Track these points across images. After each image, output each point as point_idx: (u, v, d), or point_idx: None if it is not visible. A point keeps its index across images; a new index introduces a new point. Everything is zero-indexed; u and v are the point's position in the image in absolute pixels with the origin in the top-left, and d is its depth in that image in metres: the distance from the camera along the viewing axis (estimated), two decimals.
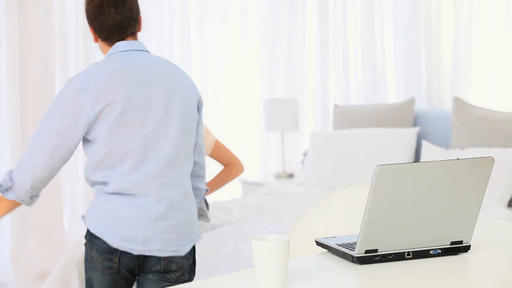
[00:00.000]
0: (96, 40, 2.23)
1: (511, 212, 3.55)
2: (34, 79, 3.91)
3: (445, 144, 4.14)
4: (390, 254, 1.50)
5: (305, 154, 4.78)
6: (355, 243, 1.50)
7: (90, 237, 2.09)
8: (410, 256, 1.52)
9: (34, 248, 3.94)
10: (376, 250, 1.49)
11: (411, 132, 4.23)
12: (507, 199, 3.68)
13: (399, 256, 1.51)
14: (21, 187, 2.08)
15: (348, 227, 1.70)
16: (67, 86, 2.06)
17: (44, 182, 2.13)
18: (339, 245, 1.55)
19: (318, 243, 1.62)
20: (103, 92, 2.03)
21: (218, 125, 4.63)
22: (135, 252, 2.06)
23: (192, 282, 1.44)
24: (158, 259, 2.09)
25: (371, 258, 1.49)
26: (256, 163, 5.01)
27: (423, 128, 4.32)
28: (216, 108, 4.79)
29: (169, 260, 2.10)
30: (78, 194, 4.17)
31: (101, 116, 2.03)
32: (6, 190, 2.10)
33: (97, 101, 2.02)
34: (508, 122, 3.85)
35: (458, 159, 1.49)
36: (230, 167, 2.96)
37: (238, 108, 4.98)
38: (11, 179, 2.09)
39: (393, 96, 5.10)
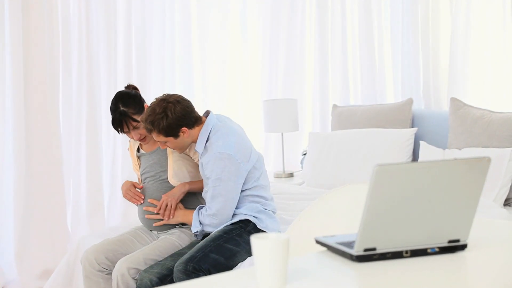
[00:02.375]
0: (188, 135, 2.97)
1: (507, 212, 3.57)
2: (37, 80, 3.92)
3: (442, 144, 4.16)
4: (388, 253, 1.52)
5: (304, 154, 4.80)
6: (354, 241, 1.52)
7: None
8: (408, 255, 1.53)
9: (38, 247, 3.96)
10: (374, 249, 1.50)
11: (409, 133, 4.25)
12: (503, 198, 3.70)
13: (397, 255, 1.52)
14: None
15: (347, 226, 1.71)
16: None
17: None
18: (338, 244, 1.57)
19: (317, 242, 1.64)
20: None
21: None
22: None
23: (192, 280, 1.45)
24: None
25: (369, 256, 1.50)
26: None
27: (420, 128, 4.33)
28: (217, 108, 4.81)
29: None
30: (81, 194, 4.18)
31: None
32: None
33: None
34: (504, 123, 3.86)
35: (455, 159, 1.51)
36: None
37: (238, 109, 5.00)
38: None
39: (391, 96, 5.12)
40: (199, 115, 3.04)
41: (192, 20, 4.68)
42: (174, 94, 3.00)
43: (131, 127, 3.04)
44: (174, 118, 2.91)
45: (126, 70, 4.28)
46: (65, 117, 4.12)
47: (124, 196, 3.17)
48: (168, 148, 3.13)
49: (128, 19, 4.28)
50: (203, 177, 3.06)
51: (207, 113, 3.08)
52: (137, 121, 3.04)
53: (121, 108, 3.03)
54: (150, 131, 2.94)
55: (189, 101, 3.00)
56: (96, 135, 4.16)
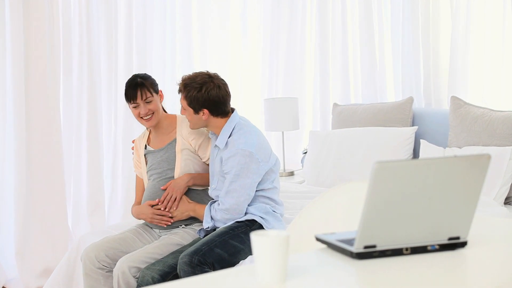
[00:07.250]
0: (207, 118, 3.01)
1: (507, 210, 3.58)
2: (38, 79, 3.92)
3: (442, 143, 4.16)
4: (388, 250, 1.52)
5: (304, 153, 4.80)
6: (354, 239, 1.52)
7: None
8: (408, 252, 1.53)
9: (39, 245, 3.96)
10: (374, 246, 1.51)
11: (409, 131, 4.25)
12: (503, 197, 3.70)
13: (397, 252, 1.52)
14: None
15: (347, 224, 1.71)
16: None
17: None
18: (339, 241, 1.57)
19: (318, 239, 1.64)
20: None
21: None
22: None
23: (192, 277, 1.46)
24: None
25: (369, 253, 1.51)
26: None
27: (421, 127, 4.33)
28: None
29: None
30: (82, 192, 4.19)
31: None
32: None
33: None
34: (504, 121, 3.86)
35: (455, 156, 1.50)
36: None
37: (239, 108, 4.99)
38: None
39: (392, 95, 5.12)
40: (229, 110, 3.06)
41: (192, 18, 4.68)
42: (221, 79, 3.03)
43: (144, 97, 3.05)
44: (204, 96, 2.95)
45: (126, 68, 4.29)
46: (65, 115, 4.12)
47: (151, 222, 3.15)
48: (177, 146, 3.14)
49: (129, 18, 4.29)
50: (217, 173, 3.06)
51: (231, 110, 3.10)
52: (152, 95, 3.06)
53: (139, 79, 3.07)
54: (180, 90, 3.00)
55: (228, 93, 3.03)
56: (96, 133, 4.17)
